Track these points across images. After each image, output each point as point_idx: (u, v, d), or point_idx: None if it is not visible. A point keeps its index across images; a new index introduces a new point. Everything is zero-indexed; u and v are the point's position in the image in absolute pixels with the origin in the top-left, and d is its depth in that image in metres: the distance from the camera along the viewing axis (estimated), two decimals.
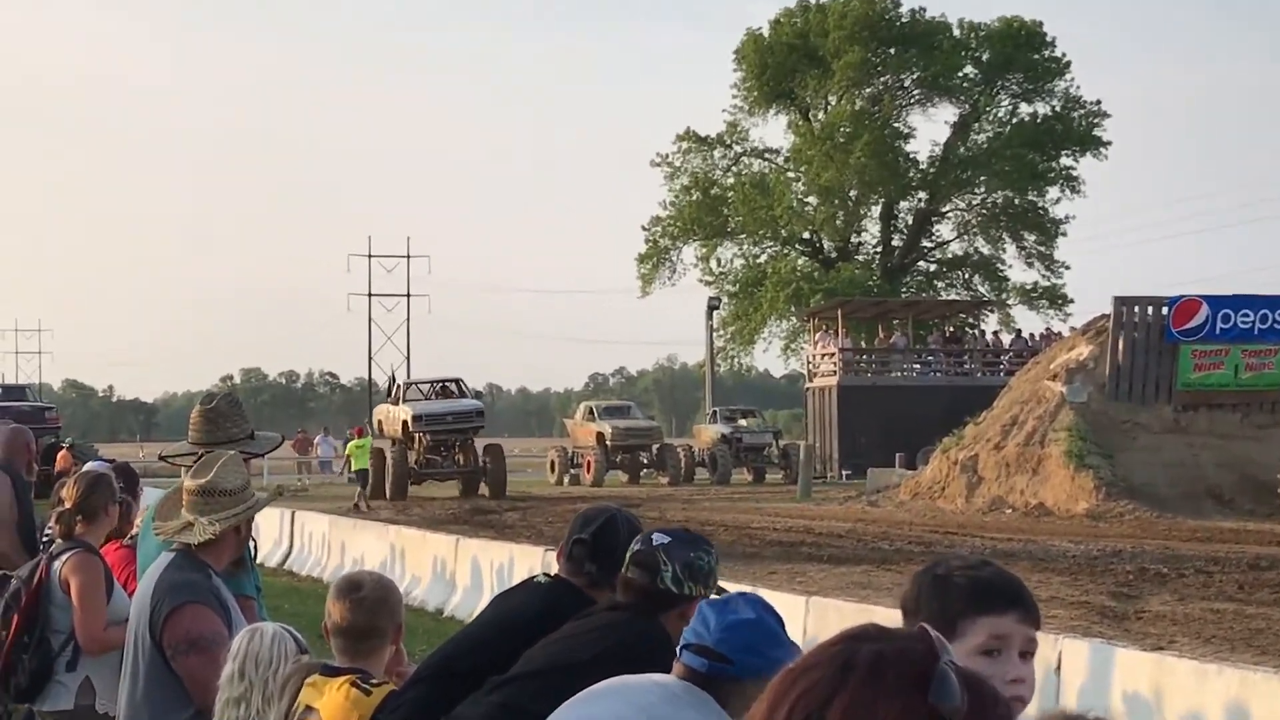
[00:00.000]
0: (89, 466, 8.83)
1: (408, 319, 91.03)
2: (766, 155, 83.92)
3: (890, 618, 11.60)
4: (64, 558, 7.23)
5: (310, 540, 26.14)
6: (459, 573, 20.57)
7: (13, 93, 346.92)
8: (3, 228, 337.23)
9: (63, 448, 12.94)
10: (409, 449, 46.58)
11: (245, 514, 5.56)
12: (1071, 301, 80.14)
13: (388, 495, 43.94)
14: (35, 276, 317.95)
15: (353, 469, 43.79)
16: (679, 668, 3.39)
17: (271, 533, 26.74)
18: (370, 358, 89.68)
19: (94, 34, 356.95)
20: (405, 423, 46.71)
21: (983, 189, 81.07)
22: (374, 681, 4.84)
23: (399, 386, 51.26)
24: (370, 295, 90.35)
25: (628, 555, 4.53)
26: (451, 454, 47.09)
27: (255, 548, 6.29)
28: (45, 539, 7.88)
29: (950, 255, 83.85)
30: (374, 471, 43.80)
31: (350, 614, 5.03)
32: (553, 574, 5.14)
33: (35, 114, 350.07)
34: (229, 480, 5.53)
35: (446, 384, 50.35)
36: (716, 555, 4.64)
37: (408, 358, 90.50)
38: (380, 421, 50.27)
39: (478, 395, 53.01)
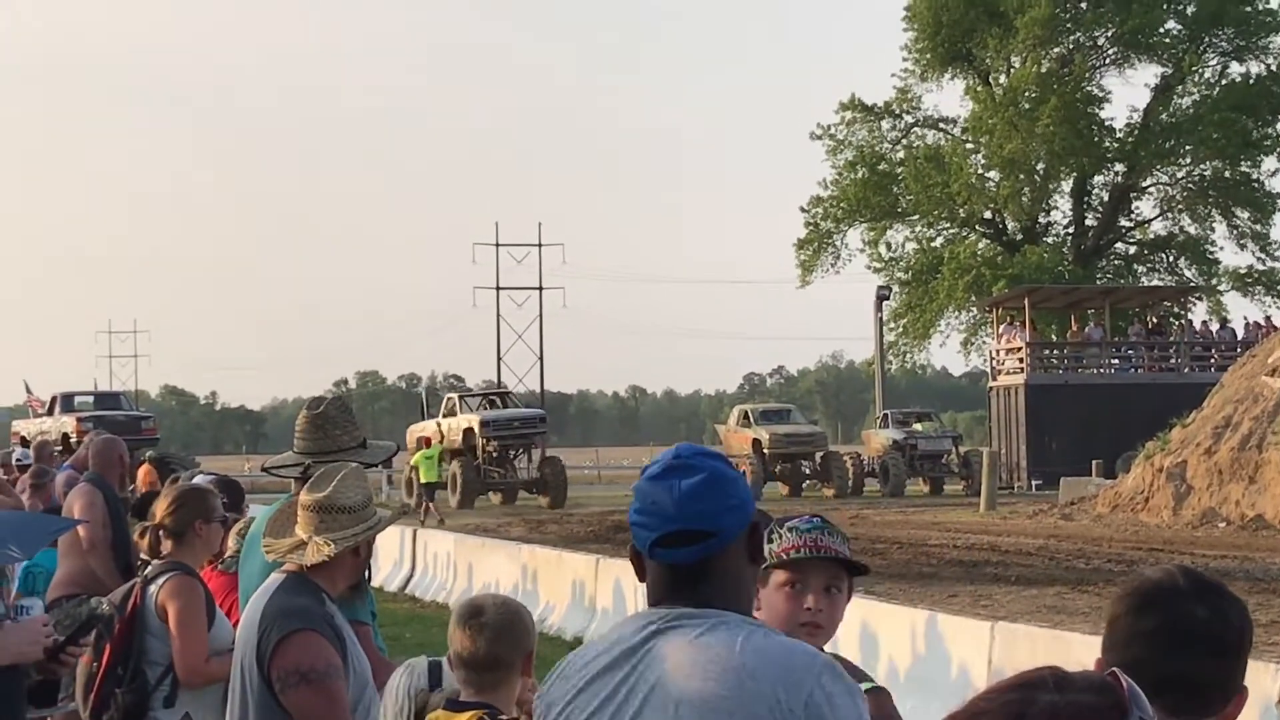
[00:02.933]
0: (195, 479, 8.92)
1: (540, 314, 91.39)
2: (941, 125, 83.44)
3: (1090, 646, 11.42)
4: (160, 581, 7.27)
5: (434, 561, 26.32)
6: (599, 596, 20.61)
7: (115, 77, 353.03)
8: (98, 221, 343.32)
9: (143, 462, 13.07)
10: (473, 459, 50.89)
11: (365, 534, 5.55)
12: None
13: (455, 505, 47.91)
14: (131, 274, 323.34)
15: (421, 480, 45.11)
16: (658, 572, 3.35)
17: (391, 553, 26.96)
18: (499, 358, 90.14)
19: (201, 21, 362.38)
20: (470, 430, 51.18)
21: (1188, 160, 79.98)
22: (503, 717, 4.84)
23: (449, 399, 55.50)
24: (498, 288, 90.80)
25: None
26: (513, 464, 52.22)
27: (371, 570, 6.30)
28: (142, 560, 7.96)
29: (1152, 236, 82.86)
30: (464, 481, 49.80)
31: (472, 642, 5.03)
32: None
33: (137, 102, 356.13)
34: (349, 496, 5.53)
35: (496, 396, 56.58)
36: (776, 531, 4.62)
37: (540, 357, 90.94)
38: (422, 437, 53.71)
39: (527, 405, 59.62)
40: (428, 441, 50.85)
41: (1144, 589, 3.28)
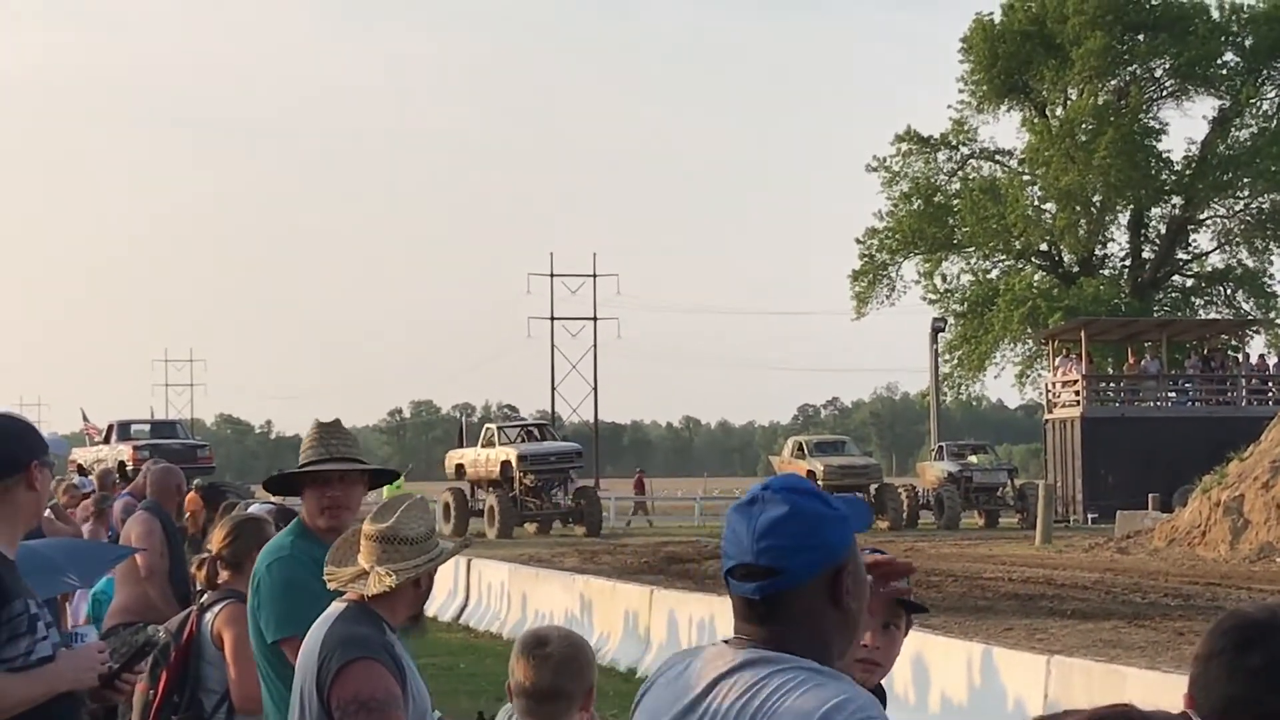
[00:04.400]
0: (252, 509, 8.97)
1: (594, 344, 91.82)
2: (998, 157, 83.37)
3: (1146, 681, 11.35)
4: (216, 609, 7.32)
5: (488, 592, 26.34)
6: (654, 628, 20.59)
7: (170, 106, 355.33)
8: (152, 247, 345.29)
9: (189, 490, 13.16)
10: (510, 491, 52.19)
11: (427, 565, 5.56)
12: None
13: (493, 535, 49.22)
14: (187, 302, 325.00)
15: None
16: (735, 602, 3.33)
17: (445, 583, 26.97)
18: (554, 388, 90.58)
19: (255, 37, 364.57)
20: (508, 463, 52.49)
21: (1246, 192, 79.74)
22: None
23: (488, 429, 56.77)
24: (553, 319, 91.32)
25: None
26: (549, 496, 52.93)
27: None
28: (197, 589, 8.01)
29: (1209, 268, 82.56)
30: (458, 510, 52.08)
31: (535, 674, 5.05)
32: None
33: (195, 131, 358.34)
34: (412, 527, 5.54)
35: (534, 428, 57.88)
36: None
37: (595, 387, 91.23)
38: (459, 465, 55.56)
39: (565, 439, 61.63)
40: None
41: (1245, 625, 3.24)
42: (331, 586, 5.60)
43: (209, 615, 7.31)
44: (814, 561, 3.26)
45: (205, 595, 7.51)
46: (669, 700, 3.38)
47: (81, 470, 44.76)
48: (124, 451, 48.72)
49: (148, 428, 55.46)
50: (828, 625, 3.30)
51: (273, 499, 10.91)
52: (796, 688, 3.18)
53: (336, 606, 5.53)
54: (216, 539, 7.55)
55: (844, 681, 3.22)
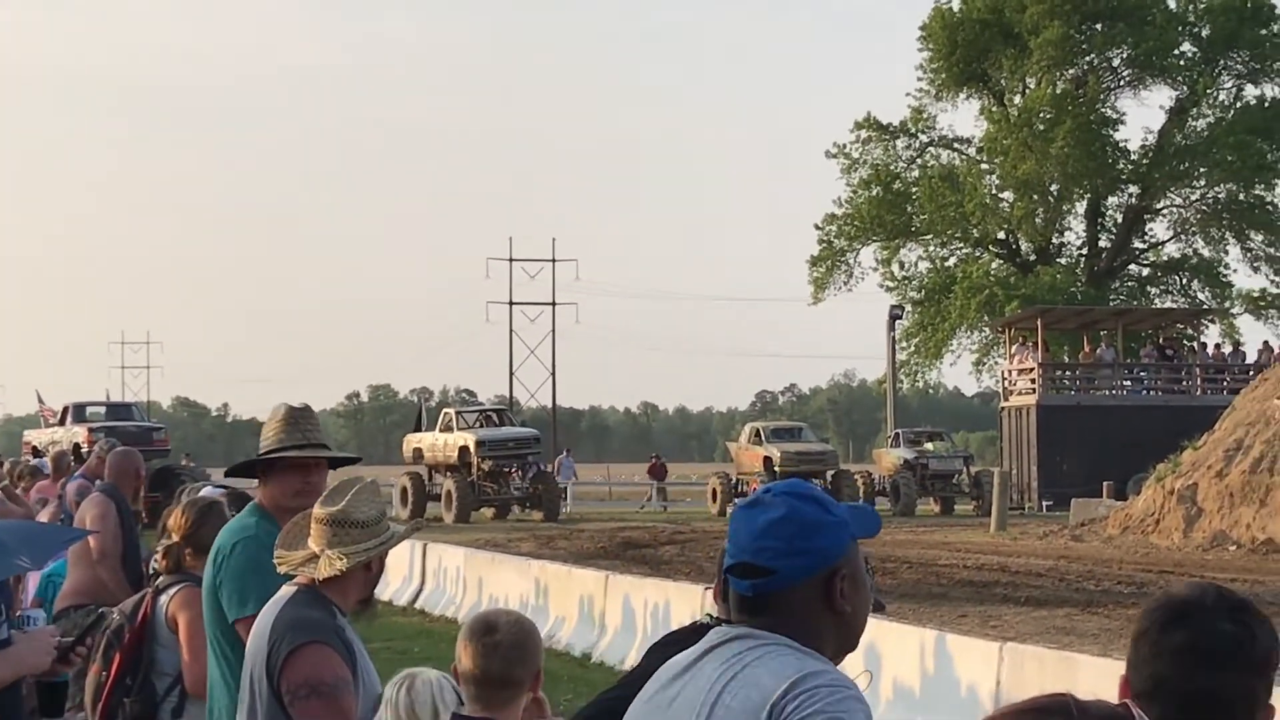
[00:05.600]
0: (204, 492, 8.93)
1: (553, 329, 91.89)
2: (956, 145, 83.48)
3: (1098, 668, 11.39)
4: (171, 592, 7.29)
5: (444, 576, 26.30)
6: (609, 613, 20.60)
7: (126, 87, 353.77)
8: (109, 229, 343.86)
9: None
10: (468, 476, 52.14)
11: (379, 549, 5.55)
12: None
13: (451, 520, 49.22)
14: (144, 284, 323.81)
15: None
16: (733, 596, 3.45)
17: (401, 568, 26.95)
18: (512, 373, 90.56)
19: (219, 22, 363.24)
20: (465, 448, 52.37)
21: (1203, 182, 79.97)
22: None
23: (446, 414, 56.57)
24: (511, 304, 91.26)
25: None
26: (507, 481, 52.83)
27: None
28: (151, 572, 7.96)
29: (1165, 258, 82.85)
30: (415, 494, 52.05)
31: (483, 659, 5.03)
32: (716, 615, 5.12)
33: (150, 106, 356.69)
34: (363, 510, 5.53)
35: (493, 413, 57.74)
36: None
37: (553, 372, 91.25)
38: (417, 449, 55.40)
39: (523, 424, 61.75)
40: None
41: (1171, 604, 3.26)
42: (281, 570, 5.58)
43: (164, 598, 7.28)
44: (806, 565, 3.36)
45: (160, 578, 7.47)
46: (666, 671, 3.53)
47: (36, 452, 44.53)
48: (79, 434, 48.50)
49: (103, 410, 55.21)
50: (822, 626, 3.40)
51: (226, 483, 10.86)
52: (778, 656, 3.30)
53: (286, 590, 5.52)
54: (180, 524, 7.50)
55: (826, 661, 3.33)
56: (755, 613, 3.38)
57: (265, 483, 6.56)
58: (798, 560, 3.35)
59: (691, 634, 5.07)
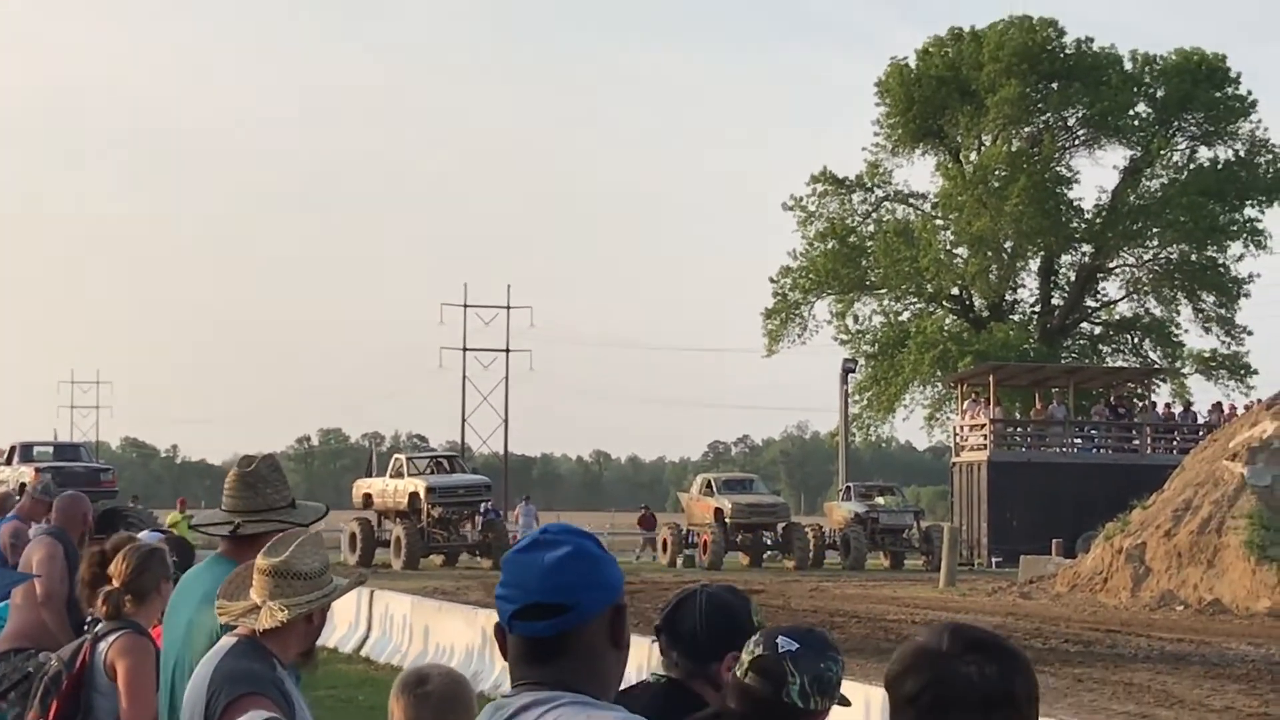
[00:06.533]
0: (142, 536, 8.88)
1: (506, 377, 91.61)
2: (911, 200, 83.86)
3: None
4: (110, 639, 7.24)
5: (391, 624, 26.20)
6: None
7: (75, 121, 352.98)
8: (57, 268, 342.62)
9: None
10: (417, 522, 52.27)
11: (321, 601, 5.53)
12: (1255, 372, 79.35)
13: (399, 566, 49.45)
14: (93, 323, 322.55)
15: None
16: (517, 646, 3.36)
17: (347, 615, 26.84)
18: (464, 419, 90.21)
19: (170, 60, 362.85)
20: (416, 494, 52.48)
21: (1155, 242, 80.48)
22: None
23: (397, 460, 56.83)
24: (465, 350, 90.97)
25: (747, 660, 4.54)
26: (457, 528, 53.08)
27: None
28: (89, 618, 7.90)
29: (1117, 317, 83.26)
30: (363, 540, 52.38)
31: (415, 711, 5.01)
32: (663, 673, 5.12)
33: (98, 145, 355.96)
34: (306, 562, 5.51)
35: (444, 459, 57.88)
36: (842, 662, 4.66)
37: (505, 420, 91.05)
38: (367, 494, 55.48)
39: (474, 471, 61.03)
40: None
41: (906, 653, 3.12)
42: (222, 620, 5.55)
43: (103, 645, 7.23)
44: (601, 599, 3.34)
45: (100, 625, 7.41)
46: None
47: None
48: (26, 474, 48.16)
49: (50, 450, 54.97)
50: (607, 665, 3.37)
51: (164, 529, 10.82)
52: (575, 715, 3.22)
53: (226, 641, 5.49)
54: (119, 569, 7.44)
55: (622, 712, 3.27)
56: (549, 657, 3.30)
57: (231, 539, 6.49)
58: (595, 594, 3.32)
59: (643, 690, 5.04)
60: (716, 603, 5.01)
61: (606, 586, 3.36)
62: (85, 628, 8.34)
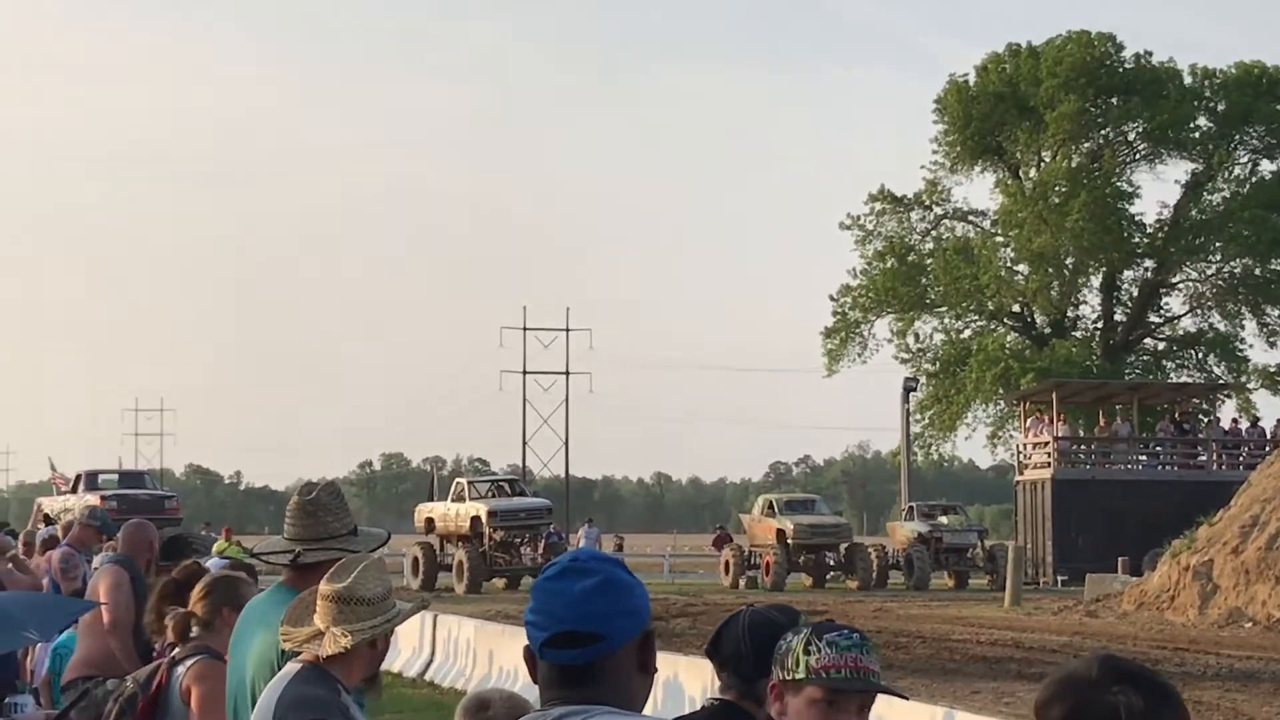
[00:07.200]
0: (210, 564, 8.93)
1: (566, 399, 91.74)
2: (971, 218, 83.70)
3: None
4: (188, 663, 7.28)
5: (454, 648, 26.22)
6: None
7: (143, 149, 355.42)
8: (123, 294, 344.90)
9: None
10: (479, 546, 52.34)
11: (383, 627, 5.54)
12: None
13: (461, 590, 49.69)
14: (158, 350, 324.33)
15: None
16: (548, 672, 3.41)
17: (411, 639, 26.88)
18: (525, 442, 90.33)
19: (234, 93, 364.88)
20: (477, 518, 52.56)
21: (1218, 257, 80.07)
22: None
23: (459, 484, 56.72)
24: (525, 373, 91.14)
25: (775, 657, 4.52)
26: (518, 551, 53.07)
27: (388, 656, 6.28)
28: (168, 643, 7.95)
29: (1181, 332, 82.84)
30: (426, 564, 52.67)
31: None
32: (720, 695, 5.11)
33: (167, 176, 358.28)
34: (369, 588, 5.52)
35: (505, 483, 58.12)
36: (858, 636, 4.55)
37: (566, 442, 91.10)
38: (429, 519, 55.54)
39: (535, 494, 61.13)
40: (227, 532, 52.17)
41: (1055, 680, 3.18)
42: (286, 647, 5.57)
43: (180, 669, 7.27)
44: (631, 627, 3.39)
45: (177, 649, 7.46)
46: None
47: (48, 520, 44.59)
48: (92, 501, 48.57)
49: (116, 477, 55.35)
50: (634, 689, 3.44)
51: (229, 555, 10.89)
52: None
53: (291, 667, 5.51)
54: (197, 596, 7.51)
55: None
56: (580, 683, 3.36)
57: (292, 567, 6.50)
58: (626, 621, 3.38)
59: (704, 714, 5.04)
60: (759, 621, 5.01)
61: (636, 614, 3.41)
62: (154, 653, 8.38)
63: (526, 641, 3.45)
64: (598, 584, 3.38)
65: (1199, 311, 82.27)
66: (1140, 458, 61.83)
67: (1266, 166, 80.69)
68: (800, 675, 4.38)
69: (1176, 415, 63.58)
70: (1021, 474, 62.02)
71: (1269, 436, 59.27)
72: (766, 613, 5.08)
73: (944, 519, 59.64)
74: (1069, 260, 78.81)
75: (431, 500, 57.20)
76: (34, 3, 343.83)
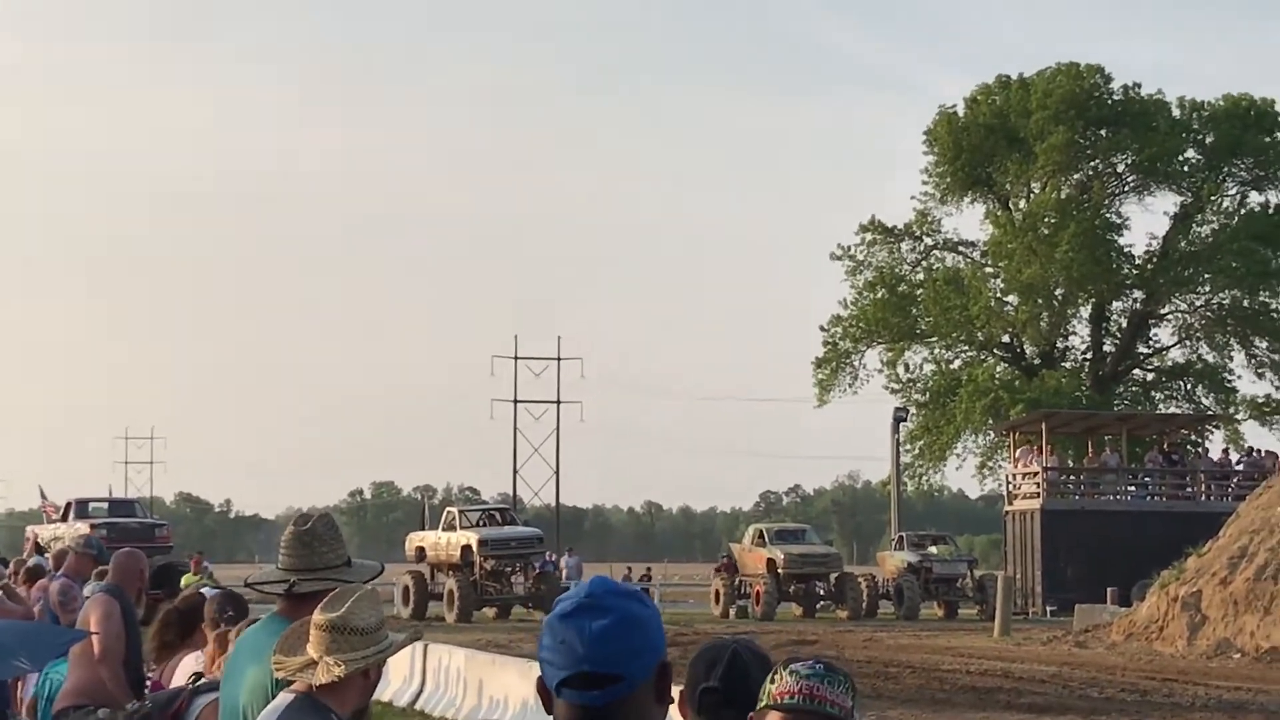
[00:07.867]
0: (203, 592, 8.95)
1: (557, 428, 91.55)
2: (961, 248, 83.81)
3: None
4: (209, 696, 7.29)
5: (445, 677, 26.20)
6: None
7: (128, 177, 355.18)
8: (112, 324, 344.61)
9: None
10: (470, 575, 52.50)
11: (376, 657, 5.56)
12: None
13: (452, 619, 49.74)
14: (148, 378, 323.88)
15: None
16: (566, 711, 3.33)
17: (401, 668, 26.86)
18: (515, 471, 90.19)
19: (226, 121, 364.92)
20: (468, 547, 52.60)
21: (1207, 288, 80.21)
22: None
23: (449, 513, 56.76)
24: (516, 401, 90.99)
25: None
26: (509, 580, 53.42)
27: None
28: (194, 673, 7.97)
29: (1170, 363, 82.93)
30: (417, 593, 52.68)
31: None
32: None
33: (153, 202, 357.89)
34: (362, 618, 5.54)
35: (496, 511, 58.27)
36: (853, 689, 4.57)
37: (556, 471, 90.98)
38: (420, 547, 55.66)
39: (526, 523, 60.00)
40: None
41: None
42: (279, 676, 5.58)
43: (200, 700, 7.28)
44: (649, 664, 3.33)
45: (202, 680, 7.47)
46: None
47: (39, 549, 44.52)
48: (82, 530, 48.51)
49: (106, 506, 55.32)
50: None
51: (219, 585, 10.91)
52: None
53: (285, 697, 5.52)
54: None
55: None
56: None
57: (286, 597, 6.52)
58: (643, 660, 3.31)
59: None
60: (760, 655, 5.01)
61: (653, 650, 3.35)
62: (147, 683, 8.39)
63: (540, 675, 3.38)
64: (614, 623, 3.29)
65: (1188, 343, 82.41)
66: (1129, 488, 61.90)
67: (1255, 198, 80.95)
68: (763, 703, 4.41)
69: (1165, 446, 63.65)
70: (1011, 504, 62.08)
71: (1258, 468, 59.26)
72: (761, 652, 5.09)
73: (934, 549, 59.69)
74: (1058, 291, 78.93)
75: (423, 529, 57.26)
76: (19, 16, 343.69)
